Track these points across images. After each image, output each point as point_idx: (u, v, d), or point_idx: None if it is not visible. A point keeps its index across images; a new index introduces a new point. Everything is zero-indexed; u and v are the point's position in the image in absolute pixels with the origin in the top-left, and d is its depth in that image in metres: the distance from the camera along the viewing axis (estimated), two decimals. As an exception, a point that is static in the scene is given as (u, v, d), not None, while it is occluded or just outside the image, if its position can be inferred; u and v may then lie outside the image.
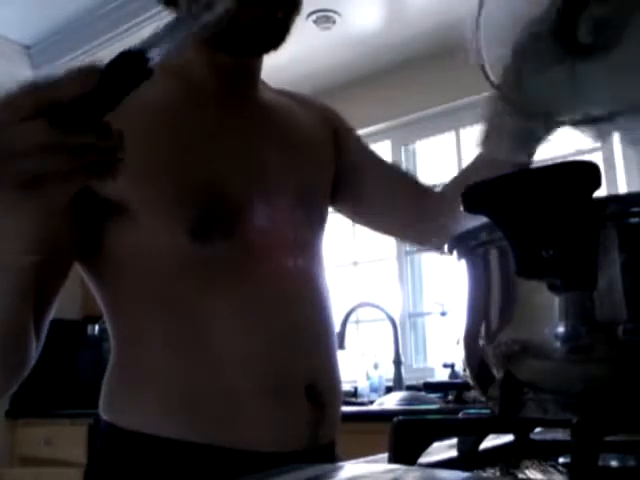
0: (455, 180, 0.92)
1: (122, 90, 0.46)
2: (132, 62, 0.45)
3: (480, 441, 0.53)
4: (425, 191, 0.95)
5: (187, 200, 0.70)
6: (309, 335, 0.75)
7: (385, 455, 0.49)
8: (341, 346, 2.53)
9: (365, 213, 0.97)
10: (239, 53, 0.75)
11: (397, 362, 2.66)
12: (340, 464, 0.48)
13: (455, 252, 0.56)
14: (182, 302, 0.72)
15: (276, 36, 0.72)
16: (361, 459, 0.54)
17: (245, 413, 0.70)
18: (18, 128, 0.45)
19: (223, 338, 0.71)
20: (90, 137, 0.46)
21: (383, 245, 2.88)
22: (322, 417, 0.73)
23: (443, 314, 2.67)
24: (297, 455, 0.69)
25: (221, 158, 0.74)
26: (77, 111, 0.45)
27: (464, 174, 0.91)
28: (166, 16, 0.74)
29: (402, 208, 0.95)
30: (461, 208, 0.86)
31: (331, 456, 0.78)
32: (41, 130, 0.45)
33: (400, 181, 0.97)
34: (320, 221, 0.84)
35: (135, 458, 0.71)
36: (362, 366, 2.77)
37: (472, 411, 0.60)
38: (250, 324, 0.71)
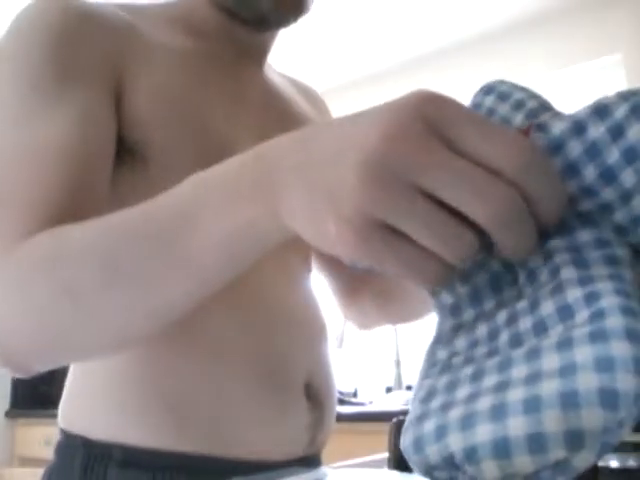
0: None
1: None
2: None
3: (480, 441, 0.53)
4: None
5: (203, 162, 0.66)
6: (305, 332, 0.71)
7: (385, 455, 0.49)
8: (340, 346, 2.54)
9: None
10: (258, 26, 0.73)
11: (397, 362, 2.66)
12: (337, 469, 0.48)
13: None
14: None
15: (298, 7, 0.71)
16: (360, 459, 0.54)
17: (241, 416, 0.63)
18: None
19: (219, 335, 0.64)
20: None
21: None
22: (321, 419, 0.69)
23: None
24: (292, 465, 0.65)
25: (235, 127, 0.73)
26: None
27: None
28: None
29: None
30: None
31: (318, 464, 0.73)
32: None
33: None
34: None
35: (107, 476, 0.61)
36: (362, 366, 2.77)
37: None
38: (247, 320, 0.66)
